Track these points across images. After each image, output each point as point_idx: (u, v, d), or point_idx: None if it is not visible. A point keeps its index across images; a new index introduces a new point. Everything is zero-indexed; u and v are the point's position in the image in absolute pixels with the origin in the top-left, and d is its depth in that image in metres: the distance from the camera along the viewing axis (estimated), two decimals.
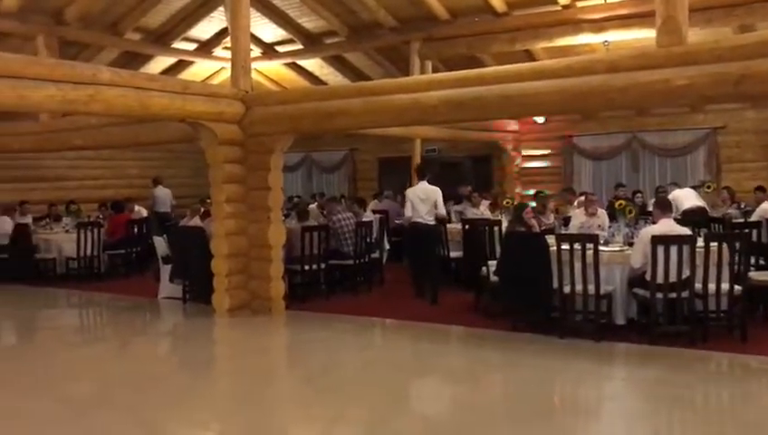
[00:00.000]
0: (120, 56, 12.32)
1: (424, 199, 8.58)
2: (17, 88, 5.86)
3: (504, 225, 8.57)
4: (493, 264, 7.44)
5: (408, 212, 8.72)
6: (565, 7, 10.44)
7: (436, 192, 8.60)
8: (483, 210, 10.65)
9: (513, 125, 13.84)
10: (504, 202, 10.51)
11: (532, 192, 12.62)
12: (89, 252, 10.76)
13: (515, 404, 5.05)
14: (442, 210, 8.75)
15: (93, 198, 13.37)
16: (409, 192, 8.83)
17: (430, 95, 6.78)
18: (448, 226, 9.62)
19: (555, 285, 6.61)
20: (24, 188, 12.63)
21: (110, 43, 11.82)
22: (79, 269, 10.82)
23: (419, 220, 8.57)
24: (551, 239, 6.97)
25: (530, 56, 11.51)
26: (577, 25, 10.42)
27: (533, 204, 9.26)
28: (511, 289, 6.98)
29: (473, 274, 8.04)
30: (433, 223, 8.65)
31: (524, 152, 14.34)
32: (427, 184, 8.70)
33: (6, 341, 8.08)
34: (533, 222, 7.77)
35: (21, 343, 7.93)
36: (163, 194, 14.06)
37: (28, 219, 11.43)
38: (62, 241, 10.94)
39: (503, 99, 6.38)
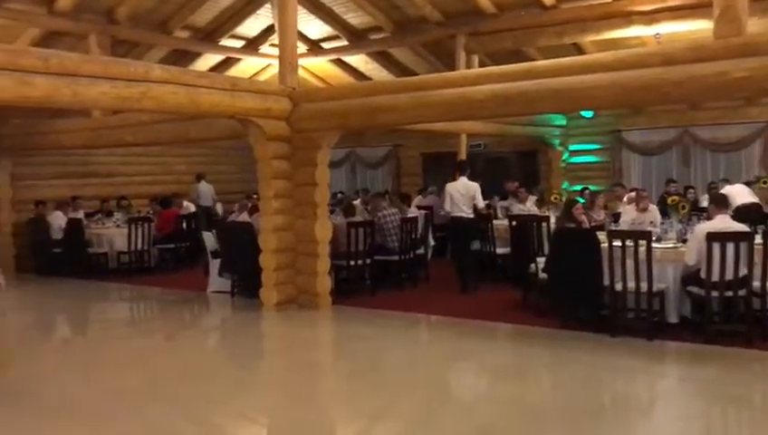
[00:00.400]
0: (169, 54, 12.51)
1: (463, 194, 8.89)
2: (72, 85, 6.00)
3: (552, 221, 8.45)
4: (541, 260, 7.35)
5: (446, 206, 9.02)
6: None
7: (475, 187, 8.92)
8: (529, 206, 10.52)
9: (560, 120, 13.64)
10: (552, 198, 10.38)
11: (580, 188, 12.45)
12: (139, 246, 10.99)
13: (565, 403, 4.97)
14: (480, 204, 9.06)
15: (143, 193, 13.64)
16: (449, 187, 9.06)
17: (478, 90, 6.72)
18: (495, 222, 9.56)
19: (606, 282, 6.50)
20: (77, 183, 12.94)
21: (160, 42, 12.01)
22: (130, 263, 11.06)
23: (460, 214, 8.88)
24: (601, 236, 6.85)
25: (577, 50, 11.32)
26: (627, 18, 10.19)
27: (582, 200, 9.11)
28: (560, 286, 6.88)
29: (520, 270, 7.95)
30: (472, 216, 8.96)
31: (572, 147, 14.12)
32: (466, 179, 9.00)
33: (60, 333, 8.30)
34: (583, 218, 7.66)
35: (74, 336, 8.13)
36: (206, 189, 14.32)
37: (81, 214, 11.71)
38: (113, 236, 11.19)
39: (552, 93, 6.29)
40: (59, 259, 11.11)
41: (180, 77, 6.92)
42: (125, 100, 6.43)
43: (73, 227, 11.01)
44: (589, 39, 10.94)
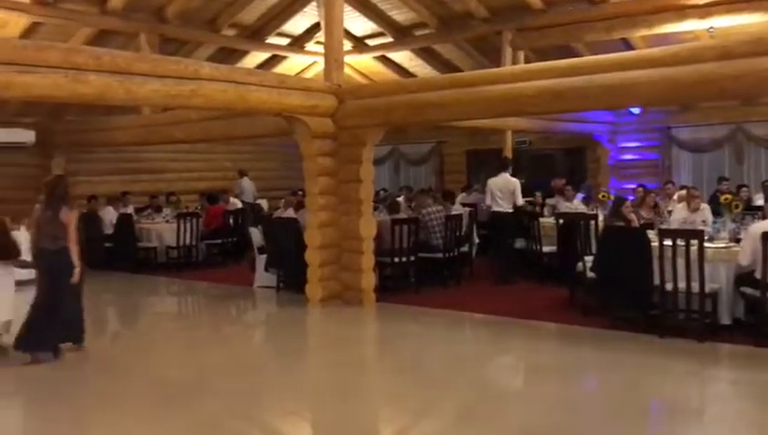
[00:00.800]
0: (216, 52, 12.70)
1: (503, 190, 9.45)
2: (124, 83, 6.13)
3: (600, 219, 8.32)
4: (588, 259, 7.23)
5: (487, 201, 9.67)
6: None
7: (515, 183, 9.49)
8: (576, 204, 10.36)
9: (607, 116, 13.40)
10: (600, 196, 10.20)
11: (629, 185, 12.23)
12: (187, 241, 11.18)
13: (612, 404, 4.88)
14: (519, 201, 9.54)
15: (190, 189, 13.87)
16: (490, 182, 9.65)
17: (526, 86, 6.65)
18: (541, 219, 9.45)
19: (656, 281, 6.36)
20: (128, 179, 13.25)
21: (208, 40, 12.20)
22: (178, 258, 11.26)
23: (499, 209, 9.43)
24: (651, 234, 6.71)
25: (627, 45, 11.11)
26: (681, 12, 9.95)
27: (631, 197, 8.95)
28: (609, 285, 6.77)
29: (567, 269, 7.85)
30: (511, 211, 9.45)
31: (620, 144, 13.87)
32: (508, 175, 9.58)
33: (110, 326, 8.50)
34: (633, 217, 7.52)
35: (123, 329, 8.33)
36: (248, 185, 14.50)
37: (131, 210, 11.96)
38: (162, 231, 11.40)
39: (603, 89, 6.18)
40: (110, 253, 11.38)
41: (229, 75, 7.02)
42: (175, 97, 6.54)
43: (124, 222, 11.25)
44: (639, 34, 10.72)
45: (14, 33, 9.83)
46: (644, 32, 10.54)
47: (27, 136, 11.75)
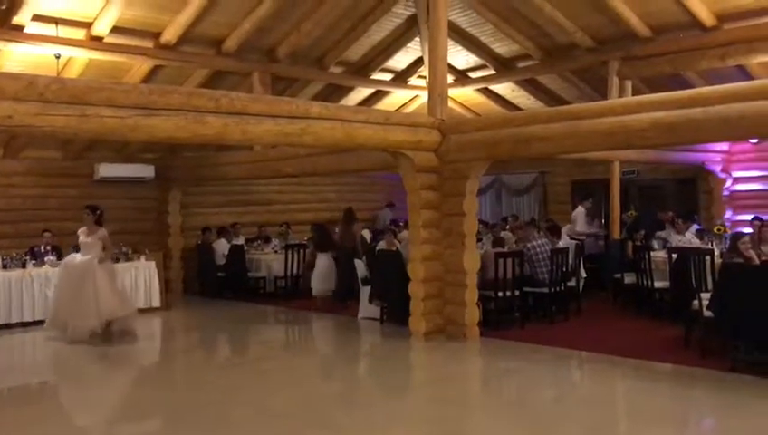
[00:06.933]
0: (323, 88, 13.10)
1: (573, 220, 11.33)
2: (240, 124, 6.45)
3: (717, 254, 7.93)
4: (705, 296, 6.91)
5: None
6: None
7: (575, 213, 11.64)
8: (689, 237, 9.92)
9: (722, 145, 12.80)
10: (715, 229, 9.74)
11: (744, 216, 11.60)
12: (295, 271, 11.49)
13: None
14: (576, 228, 11.28)
15: (296, 220, 14.27)
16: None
17: (638, 118, 6.47)
18: (652, 253, 9.11)
19: None
20: (239, 211, 13.79)
21: (316, 77, 12.60)
22: (285, 287, 11.58)
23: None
24: None
25: (743, 72, 10.62)
26: None
27: (749, 230, 8.49)
28: (729, 325, 6.43)
29: (681, 306, 7.52)
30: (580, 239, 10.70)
31: (735, 174, 13.19)
32: (580, 206, 11.69)
33: (221, 354, 8.84)
34: (751, 253, 7.12)
35: (233, 356, 8.64)
36: (386, 215, 15.05)
37: (242, 240, 12.44)
38: (271, 261, 11.79)
39: (721, 121, 5.93)
40: (222, 283, 11.87)
41: (337, 113, 7.25)
42: (287, 135, 6.82)
43: (236, 252, 11.72)
44: (756, 60, 10.22)
45: (137, 76, 10.53)
46: (761, 58, 10.04)
47: (147, 171, 12.49)
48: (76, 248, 9.02)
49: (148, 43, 10.03)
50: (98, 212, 8.71)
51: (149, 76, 10.72)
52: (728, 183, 13.11)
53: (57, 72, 9.48)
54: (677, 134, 6.33)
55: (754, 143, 12.75)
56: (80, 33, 9.38)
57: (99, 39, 9.48)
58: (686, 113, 6.16)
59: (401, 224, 11.85)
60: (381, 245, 9.76)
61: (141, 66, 10.48)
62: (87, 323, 8.32)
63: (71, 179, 12.05)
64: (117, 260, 10.33)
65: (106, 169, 12.14)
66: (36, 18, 8.79)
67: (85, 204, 9.07)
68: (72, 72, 9.82)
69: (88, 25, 9.31)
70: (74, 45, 9.41)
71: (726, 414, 5.46)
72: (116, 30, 9.49)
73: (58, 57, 9.39)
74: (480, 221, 11.56)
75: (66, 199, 11.74)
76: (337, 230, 11.50)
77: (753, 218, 9.81)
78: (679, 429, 5.20)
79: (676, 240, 9.63)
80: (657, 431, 5.13)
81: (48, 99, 5.40)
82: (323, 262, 10.76)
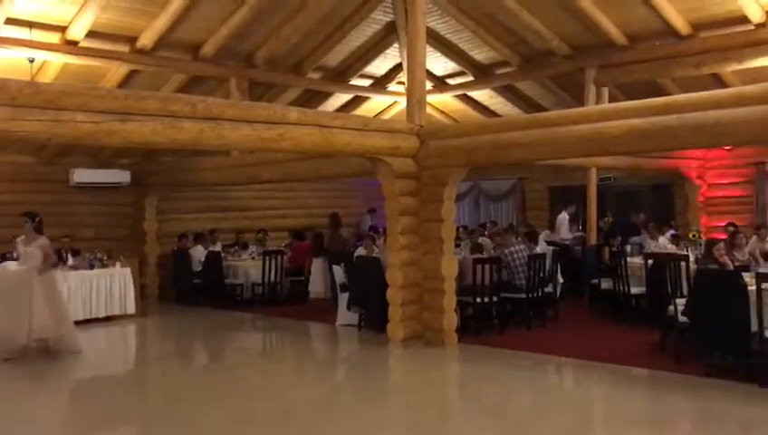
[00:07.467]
0: (302, 94, 13.07)
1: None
2: (216, 129, 6.41)
3: (692, 259, 8.01)
4: (680, 302, 6.97)
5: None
6: (759, 26, 9.65)
7: (559, 219, 12.48)
8: (664, 243, 10.02)
9: (697, 151, 12.96)
10: (690, 235, 9.84)
11: (718, 223, 11.75)
12: (272, 278, 11.42)
13: None
14: (560, 234, 12.15)
15: (274, 226, 14.19)
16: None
17: (614, 125, 6.52)
18: (629, 259, 9.17)
19: (754, 327, 6.06)
20: (216, 217, 13.68)
21: (294, 83, 12.57)
22: (263, 294, 11.50)
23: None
24: (749, 278, 6.41)
25: (717, 80, 10.77)
26: None
27: (723, 237, 8.59)
28: (703, 330, 6.49)
29: (657, 312, 7.58)
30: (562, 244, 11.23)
31: (710, 180, 13.36)
32: (564, 212, 12.40)
33: (196, 361, 8.75)
34: (726, 259, 7.20)
35: (209, 363, 8.55)
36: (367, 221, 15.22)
37: (219, 247, 12.33)
38: (248, 267, 11.69)
39: (695, 128, 5.99)
40: (198, 289, 11.75)
41: (315, 118, 7.23)
42: (264, 141, 6.78)
43: (213, 259, 11.61)
44: (730, 69, 10.37)
45: (114, 81, 10.43)
46: (736, 67, 10.19)
47: (123, 176, 12.37)
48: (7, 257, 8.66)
49: (124, 48, 9.94)
50: (37, 219, 8.03)
51: (125, 81, 10.62)
52: (702, 189, 13.28)
53: (31, 76, 9.35)
54: (653, 141, 6.39)
55: (728, 149, 12.93)
56: (54, 37, 9.27)
57: (74, 43, 9.38)
58: (662, 120, 6.22)
59: (381, 230, 11.84)
60: (360, 251, 9.74)
61: (117, 71, 10.39)
62: (16, 338, 7.62)
63: (45, 185, 11.87)
64: (92, 267, 10.21)
65: (81, 175, 12.01)
66: (10, 21, 8.65)
67: (22, 211, 8.27)
68: (47, 77, 9.69)
69: (63, 29, 9.21)
70: (49, 49, 9.30)
71: (701, 419, 5.52)
72: (91, 34, 9.39)
73: (32, 61, 9.27)
74: (462, 226, 11.84)
75: (40, 206, 11.54)
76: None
77: (728, 225, 9.92)
78: (655, 433, 5.22)
79: (652, 245, 9.72)
80: None
81: (21, 103, 5.32)
82: (317, 267, 11.13)
